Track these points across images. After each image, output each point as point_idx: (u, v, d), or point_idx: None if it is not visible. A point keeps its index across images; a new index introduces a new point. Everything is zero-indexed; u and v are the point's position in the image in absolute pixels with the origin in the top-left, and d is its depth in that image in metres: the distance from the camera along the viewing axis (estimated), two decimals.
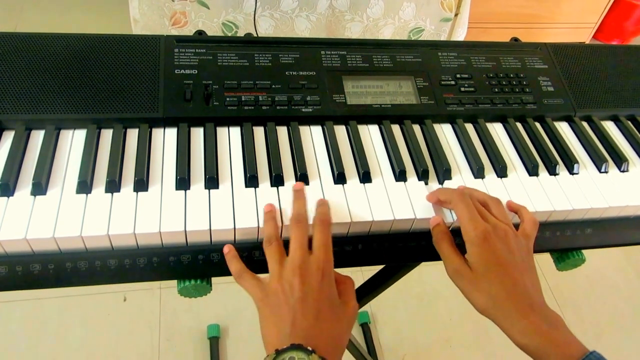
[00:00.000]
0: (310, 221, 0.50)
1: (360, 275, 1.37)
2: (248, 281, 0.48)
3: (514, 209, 0.55)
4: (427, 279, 1.44)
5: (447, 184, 0.58)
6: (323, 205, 0.51)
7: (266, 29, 1.29)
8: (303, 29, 1.31)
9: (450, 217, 0.55)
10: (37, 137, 0.55)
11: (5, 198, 0.49)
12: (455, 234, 0.53)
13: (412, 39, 1.41)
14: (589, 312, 1.47)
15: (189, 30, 1.26)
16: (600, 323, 1.45)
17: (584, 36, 2.29)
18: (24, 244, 0.47)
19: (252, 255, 0.51)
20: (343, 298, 0.48)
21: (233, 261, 0.49)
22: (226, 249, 0.50)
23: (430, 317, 1.38)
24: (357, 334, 1.32)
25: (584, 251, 0.61)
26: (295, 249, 0.47)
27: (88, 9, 2.22)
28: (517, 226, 0.52)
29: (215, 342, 1.25)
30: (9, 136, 0.54)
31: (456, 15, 1.40)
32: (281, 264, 0.47)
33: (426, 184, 0.58)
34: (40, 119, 0.55)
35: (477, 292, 0.48)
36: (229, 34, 1.28)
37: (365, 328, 1.33)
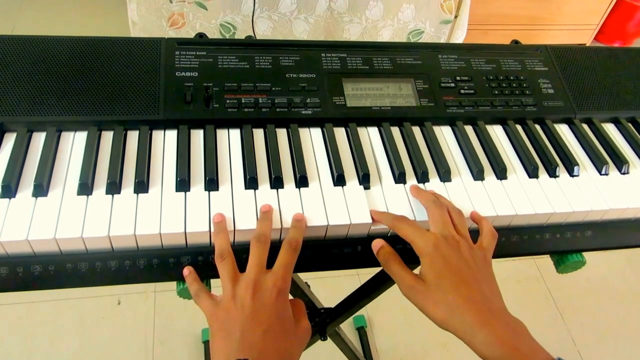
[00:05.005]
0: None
1: (357, 278, 1.37)
2: (203, 299, 0.48)
3: (476, 220, 0.54)
4: None
5: (447, 186, 0.58)
6: (297, 228, 0.50)
7: (264, 31, 1.29)
8: (301, 31, 1.32)
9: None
10: (39, 139, 0.55)
11: (7, 199, 0.49)
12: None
13: (412, 41, 1.41)
14: (589, 316, 1.47)
15: (186, 32, 1.27)
16: (601, 327, 1.45)
17: (585, 38, 2.29)
18: (26, 245, 0.47)
19: None
20: (295, 317, 0.48)
21: (193, 283, 0.49)
22: (186, 271, 0.50)
23: (427, 321, 1.37)
24: (353, 338, 1.31)
25: (584, 254, 0.61)
26: (252, 265, 0.47)
27: (86, 10, 2.23)
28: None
29: (209, 346, 1.25)
30: (10, 138, 0.54)
31: (456, 17, 1.40)
32: (234, 281, 0.47)
33: (424, 185, 0.58)
34: (42, 121, 0.55)
35: (433, 305, 0.46)
36: (227, 35, 1.28)
37: (362, 332, 1.32)
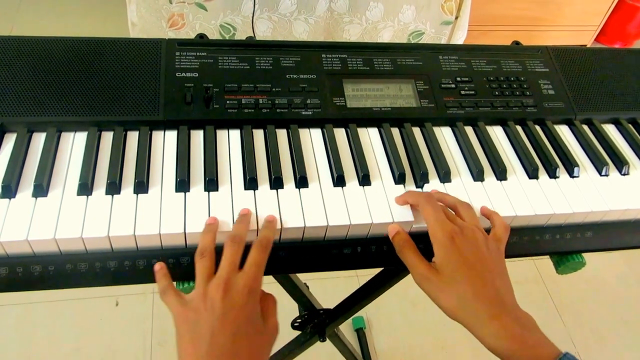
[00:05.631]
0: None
1: (356, 280, 1.37)
2: (170, 297, 0.47)
3: (487, 214, 0.55)
4: None
5: (447, 187, 0.58)
6: (268, 228, 0.50)
7: (264, 32, 1.29)
8: (301, 32, 1.31)
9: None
10: (39, 140, 0.55)
11: (7, 200, 0.49)
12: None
13: (412, 42, 1.41)
14: (589, 318, 1.46)
15: (186, 32, 1.27)
16: (601, 329, 1.44)
17: (586, 39, 2.28)
18: (25, 245, 0.47)
19: None
20: (264, 315, 0.47)
21: (162, 279, 0.48)
22: (157, 267, 0.49)
23: (426, 323, 1.37)
24: (352, 339, 1.31)
25: (584, 255, 0.61)
26: (224, 265, 0.46)
27: (85, 11, 2.22)
28: (489, 232, 0.52)
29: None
30: (11, 138, 0.54)
31: (456, 18, 1.40)
32: (208, 280, 0.46)
33: (422, 187, 0.58)
34: (42, 122, 0.55)
35: (445, 295, 0.46)
36: (227, 36, 1.28)
37: (361, 333, 1.32)
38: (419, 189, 0.58)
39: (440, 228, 0.48)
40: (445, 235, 0.48)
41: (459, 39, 1.45)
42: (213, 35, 1.28)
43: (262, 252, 0.48)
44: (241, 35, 1.29)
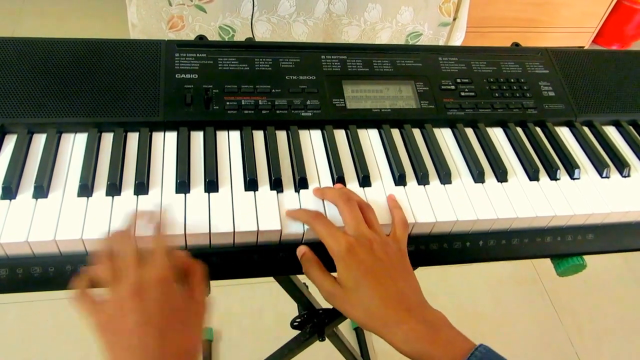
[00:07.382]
0: None
1: None
2: (84, 305, 0.43)
3: (389, 207, 0.54)
4: (422, 283, 1.44)
5: (447, 188, 0.58)
6: (157, 237, 0.47)
7: (263, 33, 1.29)
8: (300, 34, 1.32)
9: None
10: (39, 141, 0.55)
11: (8, 201, 0.49)
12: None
13: (410, 43, 1.41)
14: (586, 318, 1.46)
15: (186, 34, 1.27)
16: (599, 330, 1.44)
17: (584, 41, 2.29)
18: (25, 246, 0.47)
19: (252, 259, 0.51)
20: (190, 290, 0.45)
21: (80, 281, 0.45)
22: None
23: None
24: (350, 337, 1.30)
25: (584, 257, 0.61)
26: (126, 267, 0.43)
27: (86, 13, 2.23)
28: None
29: (208, 346, 1.25)
30: (11, 140, 0.54)
31: (454, 19, 1.40)
32: (115, 283, 0.42)
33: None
34: (42, 123, 0.55)
35: (352, 307, 0.46)
36: (226, 38, 1.28)
37: (359, 332, 1.32)
38: None
39: (335, 243, 0.48)
40: (341, 248, 0.47)
41: (457, 40, 1.45)
42: (213, 37, 1.28)
43: (160, 237, 0.46)
44: (240, 37, 1.29)
